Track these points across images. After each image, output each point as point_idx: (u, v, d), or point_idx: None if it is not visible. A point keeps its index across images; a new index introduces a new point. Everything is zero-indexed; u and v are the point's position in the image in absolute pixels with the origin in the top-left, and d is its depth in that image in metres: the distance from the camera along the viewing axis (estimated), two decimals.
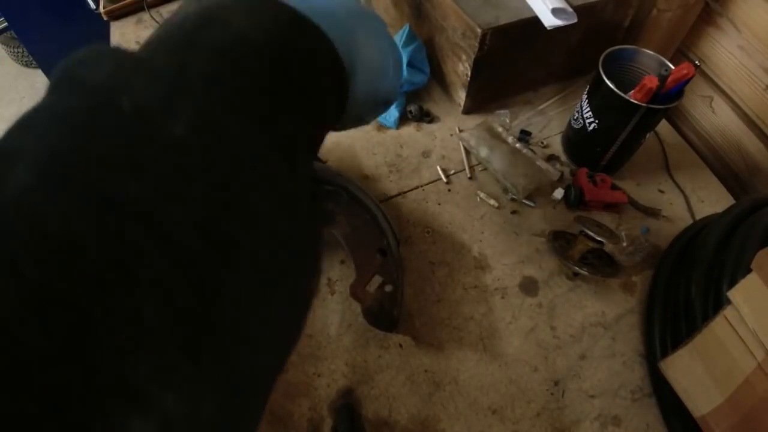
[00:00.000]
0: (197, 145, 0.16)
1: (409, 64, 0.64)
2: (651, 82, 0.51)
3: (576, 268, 0.50)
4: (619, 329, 0.51)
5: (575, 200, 0.59)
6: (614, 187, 0.60)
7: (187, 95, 0.17)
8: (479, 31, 0.55)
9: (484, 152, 0.62)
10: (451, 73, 0.67)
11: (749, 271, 0.40)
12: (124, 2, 0.80)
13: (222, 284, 0.16)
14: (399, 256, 0.49)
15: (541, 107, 0.70)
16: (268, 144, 0.18)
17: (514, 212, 0.59)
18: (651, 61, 0.57)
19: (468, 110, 0.69)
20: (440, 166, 0.63)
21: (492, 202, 0.60)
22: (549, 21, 0.56)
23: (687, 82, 0.52)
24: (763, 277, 0.39)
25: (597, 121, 0.57)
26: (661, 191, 0.63)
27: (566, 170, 0.63)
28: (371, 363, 0.48)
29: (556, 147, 0.66)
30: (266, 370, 0.19)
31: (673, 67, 0.53)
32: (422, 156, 0.64)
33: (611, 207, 0.60)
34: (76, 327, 0.12)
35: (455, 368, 0.48)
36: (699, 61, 0.53)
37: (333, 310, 0.51)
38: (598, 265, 0.53)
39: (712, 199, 0.63)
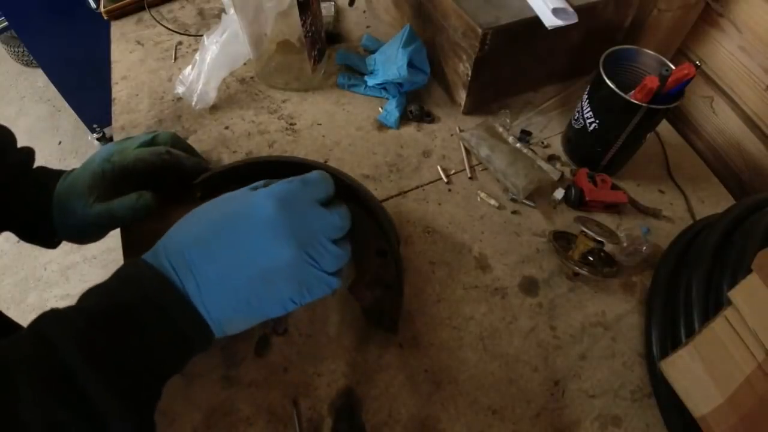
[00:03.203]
0: None
1: (409, 64, 0.64)
2: (652, 82, 0.51)
3: (576, 268, 0.50)
4: (619, 329, 0.51)
5: (575, 200, 0.59)
6: (614, 188, 0.60)
7: None
8: (480, 31, 0.56)
9: (484, 152, 0.62)
10: (452, 73, 0.67)
11: (749, 271, 0.40)
12: (124, 2, 0.80)
13: None
14: (399, 256, 0.48)
15: (542, 107, 0.70)
16: None
17: (514, 212, 0.59)
18: (651, 62, 0.57)
19: (468, 110, 0.69)
20: (440, 166, 0.63)
21: (492, 202, 0.60)
22: (549, 21, 0.56)
23: (688, 82, 0.52)
24: (763, 277, 0.39)
25: (597, 122, 0.57)
26: (662, 191, 0.63)
27: (566, 170, 0.63)
28: (371, 363, 0.48)
29: (557, 147, 0.66)
30: None
31: (673, 67, 0.53)
32: (422, 156, 0.64)
33: (611, 207, 0.60)
34: None
35: (455, 368, 0.48)
36: (700, 62, 0.53)
37: (333, 310, 0.51)
38: (598, 265, 0.53)
39: (712, 199, 0.63)
